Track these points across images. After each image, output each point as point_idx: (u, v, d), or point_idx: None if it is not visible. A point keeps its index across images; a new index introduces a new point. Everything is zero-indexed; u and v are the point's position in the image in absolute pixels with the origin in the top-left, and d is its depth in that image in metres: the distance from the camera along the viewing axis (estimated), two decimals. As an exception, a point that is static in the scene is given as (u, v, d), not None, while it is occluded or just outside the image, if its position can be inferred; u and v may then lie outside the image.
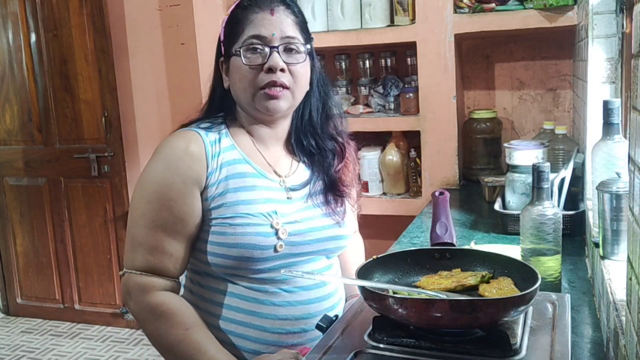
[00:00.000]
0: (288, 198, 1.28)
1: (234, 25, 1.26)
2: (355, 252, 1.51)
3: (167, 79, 3.47)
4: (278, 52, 1.22)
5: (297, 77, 1.25)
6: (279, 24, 1.23)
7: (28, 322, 3.85)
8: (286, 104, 1.25)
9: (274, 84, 1.22)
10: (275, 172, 1.29)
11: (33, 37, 3.55)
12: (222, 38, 1.29)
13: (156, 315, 1.19)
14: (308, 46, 1.28)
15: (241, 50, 1.22)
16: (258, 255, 1.20)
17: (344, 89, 2.74)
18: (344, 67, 2.74)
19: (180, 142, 1.23)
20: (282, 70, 1.22)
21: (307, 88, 1.30)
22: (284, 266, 1.24)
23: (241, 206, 1.21)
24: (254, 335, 1.23)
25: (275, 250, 1.21)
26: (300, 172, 1.33)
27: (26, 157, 3.73)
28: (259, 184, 1.25)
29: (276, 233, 1.21)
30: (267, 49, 1.22)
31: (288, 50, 1.23)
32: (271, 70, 1.21)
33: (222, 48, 1.29)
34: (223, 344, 1.21)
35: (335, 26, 2.54)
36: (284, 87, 1.23)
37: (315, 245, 1.28)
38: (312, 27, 2.53)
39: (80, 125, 3.56)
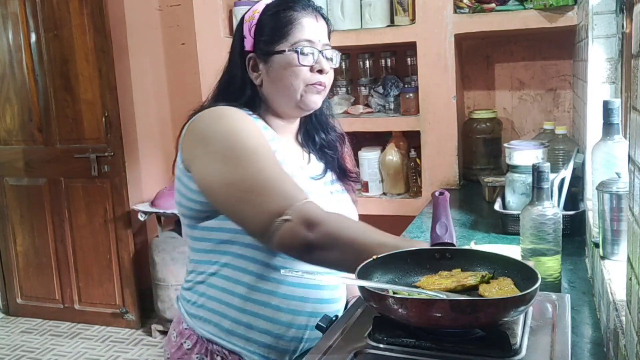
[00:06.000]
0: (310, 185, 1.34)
1: (276, 25, 1.31)
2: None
3: (167, 79, 3.47)
4: (324, 56, 1.33)
5: (330, 79, 1.37)
6: (322, 31, 1.34)
7: (28, 322, 3.86)
8: (321, 100, 1.37)
9: (320, 83, 1.33)
10: (295, 162, 1.36)
11: (33, 37, 3.55)
12: (252, 34, 1.33)
13: (339, 216, 1.17)
14: (339, 54, 1.39)
15: (298, 50, 1.29)
16: None
17: (344, 89, 2.74)
18: (344, 67, 2.74)
19: (231, 109, 1.28)
20: (327, 72, 1.34)
21: None
22: None
23: None
24: (269, 315, 1.27)
25: None
26: (314, 163, 1.42)
27: (26, 157, 3.73)
28: (292, 163, 1.32)
29: None
30: (316, 53, 1.32)
31: (327, 56, 1.35)
32: (320, 71, 1.32)
33: (252, 44, 1.33)
34: (237, 325, 1.25)
35: (335, 26, 2.53)
36: (324, 86, 1.35)
37: None
38: (312, 27, 2.54)
39: (81, 125, 3.56)
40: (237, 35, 1.36)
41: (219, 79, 1.38)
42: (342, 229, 1.13)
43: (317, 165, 1.42)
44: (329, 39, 1.38)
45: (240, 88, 1.34)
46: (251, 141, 1.21)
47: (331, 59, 1.35)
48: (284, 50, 1.29)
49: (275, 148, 1.28)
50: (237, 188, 1.17)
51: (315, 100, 1.34)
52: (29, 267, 3.85)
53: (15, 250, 3.86)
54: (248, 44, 1.33)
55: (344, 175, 1.46)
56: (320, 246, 1.11)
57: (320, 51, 1.32)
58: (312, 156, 1.43)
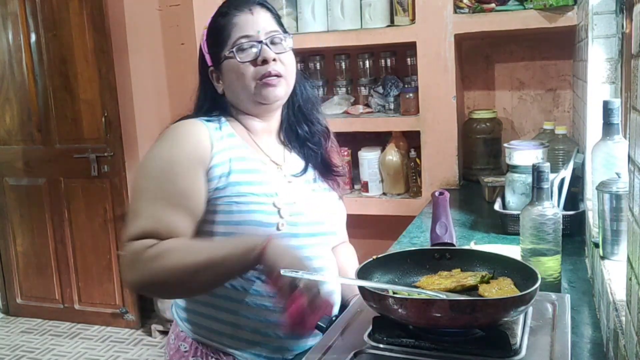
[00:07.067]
0: (289, 182, 1.34)
1: (218, 34, 1.34)
2: (350, 258, 1.52)
3: (167, 79, 3.46)
4: (267, 45, 1.30)
5: (287, 65, 1.34)
6: (260, 22, 1.32)
7: (28, 322, 3.85)
8: (283, 91, 1.33)
9: (269, 74, 1.30)
10: (272, 161, 1.35)
11: (33, 37, 3.55)
12: (206, 49, 1.37)
13: (160, 253, 1.16)
14: (290, 36, 1.36)
15: (234, 51, 1.30)
16: (262, 233, 1.22)
17: (344, 89, 2.73)
18: (344, 67, 2.74)
19: (185, 126, 1.30)
20: (274, 60, 1.30)
21: (295, 76, 1.38)
22: None
23: (245, 186, 1.26)
24: (250, 315, 1.27)
25: (277, 228, 1.25)
26: (295, 161, 1.40)
27: (26, 157, 3.73)
28: (259, 167, 1.31)
29: (278, 212, 1.26)
30: (256, 45, 1.30)
31: (274, 42, 1.32)
32: (265, 61, 1.29)
33: (209, 58, 1.36)
34: (224, 326, 1.27)
35: (335, 26, 2.54)
36: (279, 75, 1.31)
37: (314, 227, 1.32)
38: (312, 27, 2.56)
39: (80, 125, 3.56)
40: (200, 54, 1.40)
41: (196, 96, 1.42)
42: (157, 269, 1.15)
43: (297, 163, 1.40)
44: (280, 24, 1.36)
45: (211, 100, 1.37)
46: (154, 172, 1.24)
47: (280, 44, 1.32)
48: (226, 55, 1.31)
49: (233, 156, 1.27)
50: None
51: (274, 93, 1.31)
52: (28, 267, 3.85)
53: (15, 250, 3.86)
54: (208, 59, 1.37)
55: (327, 170, 1.43)
56: (146, 288, 1.20)
57: (261, 41, 1.30)
58: (293, 154, 1.41)
